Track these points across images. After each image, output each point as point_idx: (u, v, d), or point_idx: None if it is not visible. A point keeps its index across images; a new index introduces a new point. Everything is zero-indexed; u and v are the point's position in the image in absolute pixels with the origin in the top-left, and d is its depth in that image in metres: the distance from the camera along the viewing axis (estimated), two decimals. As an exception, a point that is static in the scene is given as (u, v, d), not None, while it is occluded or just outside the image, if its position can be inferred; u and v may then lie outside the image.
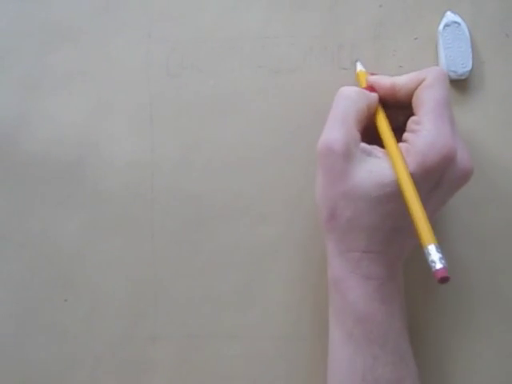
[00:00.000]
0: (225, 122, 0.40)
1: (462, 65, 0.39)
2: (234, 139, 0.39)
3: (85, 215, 0.39)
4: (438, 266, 0.28)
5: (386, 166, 0.32)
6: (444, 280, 0.28)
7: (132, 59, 0.40)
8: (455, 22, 0.39)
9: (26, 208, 0.40)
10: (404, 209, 0.31)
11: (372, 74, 0.37)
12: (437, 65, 0.39)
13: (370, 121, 0.35)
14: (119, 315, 0.39)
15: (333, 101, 0.36)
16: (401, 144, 0.33)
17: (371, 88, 0.36)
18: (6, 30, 0.40)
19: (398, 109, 0.35)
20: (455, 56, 0.39)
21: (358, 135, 0.33)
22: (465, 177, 0.33)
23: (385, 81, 0.36)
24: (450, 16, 0.39)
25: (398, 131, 0.34)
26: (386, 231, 0.33)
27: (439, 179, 0.32)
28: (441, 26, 0.39)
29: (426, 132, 0.32)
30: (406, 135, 0.33)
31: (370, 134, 0.35)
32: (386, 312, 0.33)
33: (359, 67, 0.39)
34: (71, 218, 0.39)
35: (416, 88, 0.34)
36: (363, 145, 0.33)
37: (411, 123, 0.33)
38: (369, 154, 0.33)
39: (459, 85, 0.39)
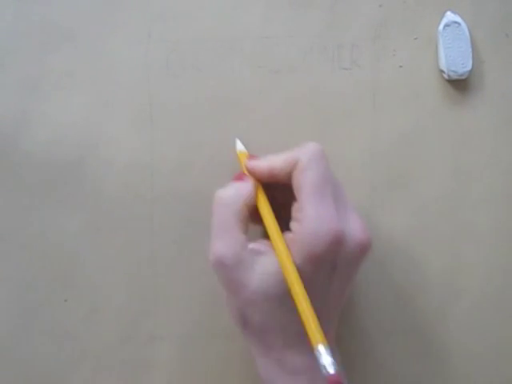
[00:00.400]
0: (225, 122, 0.40)
1: (462, 65, 0.39)
2: (234, 139, 0.39)
3: (85, 215, 0.39)
4: (331, 371, 0.28)
5: (273, 263, 0.32)
6: None
7: (132, 59, 0.40)
8: (455, 22, 0.39)
9: (26, 208, 0.40)
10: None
11: (251, 157, 0.36)
12: (437, 65, 0.39)
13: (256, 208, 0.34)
14: (119, 315, 0.39)
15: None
16: (286, 234, 0.32)
17: (246, 173, 0.35)
18: (6, 30, 0.40)
19: (284, 188, 0.34)
20: (455, 56, 0.39)
21: (242, 238, 0.32)
22: (362, 250, 0.32)
23: (262, 166, 0.34)
24: (449, 16, 0.39)
25: (289, 205, 0.33)
26: (298, 324, 0.31)
27: (334, 262, 0.31)
28: (441, 26, 0.39)
29: (308, 219, 0.31)
30: (291, 224, 0.32)
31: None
32: None
33: (238, 147, 0.38)
34: (71, 218, 0.39)
35: (292, 171, 0.32)
36: (251, 246, 0.33)
37: (295, 211, 0.32)
38: (258, 253, 0.32)
39: (459, 85, 0.39)
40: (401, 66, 0.39)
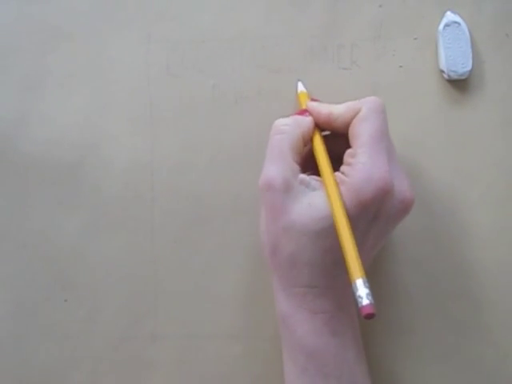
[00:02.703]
0: (225, 122, 0.40)
1: (462, 65, 0.39)
2: (234, 139, 0.39)
3: (85, 215, 0.39)
4: (365, 302, 0.28)
5: (323, 198, 0.32)
6: (369, 316, 0.28)
7: (132, 59, 0.40)
8: (455, 22, 0.39)
9: (26, 208, 0.40)
10: None
11: (313, 100, 0.37)
12: (437, 65, 0.39)
13: (310, 145, 0.35)
14: (119, 315, 0.39)
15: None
16: (337, 174, 0.33)
17: (306, 112, 0.36)
18: (6, 30, 0.40)
19: (337, 137, 0.35)
20: (455, 56, 0.39)
21: (295, 167, 0.33)
22: (405, 208, 0.33)
23: (322, 109, 0.35)
24: (449, 16, 0.39)
25: (339, 159, 0.34)
26: (328, 266, 0.32)
27: (377, 212, 0.32)
28: (441, 26, 0.39)
29: (361, 165, 0.31)
30: (342, 168, 0.33)
31: (314, 160, 0.34)
32: (338, 344, 0.33)
33: (300, 88, 0.38)
34: (71, 218, 0.39)
35: (352, 119, 0.33)
36: (302, 176, 0.33)
37: (347, 156, 0.33)
38: (307, 185, 0.33)
39: (459, 85, 0.39)
40: (401, 66, 0.39)
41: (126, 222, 0.39)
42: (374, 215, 0.32)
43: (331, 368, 0.32)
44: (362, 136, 0.32)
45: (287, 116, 0.36)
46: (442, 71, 0.39)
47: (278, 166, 0.33)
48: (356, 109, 0.33)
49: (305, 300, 0.33)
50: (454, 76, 0.39)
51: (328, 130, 0.36)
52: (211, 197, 0.39)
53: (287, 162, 0.33)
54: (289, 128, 0.34)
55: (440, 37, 0.39)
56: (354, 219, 0.31)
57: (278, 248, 0.33)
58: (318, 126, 0.35)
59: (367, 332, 0.37)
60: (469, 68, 0.39)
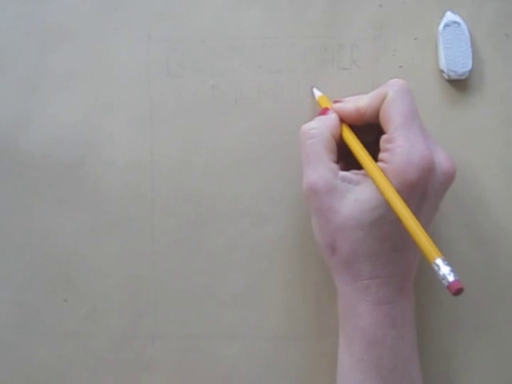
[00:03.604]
0: (225, 122, 0.40)
1: (462, 65, 0.39)
2: (234, 139, 0.39)
3: (85, 215, 0.39)
4: (451, 278, 0.28)
5: (368, 190, 0.32)
6: (459, 292, 0.28)
7: (132, 59, 0.40)
8: (455, 22, 0.39)
9: (26, 208, 0.40)
10: (399, 228, 0.31)
11: (335, 101, 0.37)
12: (437, 65, 0.39)
13: (342, 140, 0.35)
14: (119, 315, 0.39)
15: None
16: (378, 163, 0.33)
17: (328, 110, 0.36)
18: (6, 30, 0.40)
19: (368, 128, 0.35)
20: (455, 56, 0.39)
21: (334, 166, 0.34)
22: (449, 179, 0.33)
23: (348, 107, 0.35)
24: (449, 16, 0.39)
25: (372, 148, 0.34)
26: (388, 254, 0.33)
27: (424, 191, 0.32)
28: (441, 26, 0.39)
29: (400, 149, 0.32)
30: (381, 155, 0.33)
31: (348, 153, 0.35)
32: (396, 336, 0.33)
33: (317, 93, 0.38)
34: (71, 217, 0.39)
35: (380, 105, 0.34)
36: (342, 173, 0.34)
37: (383, 142, 0.33)
38: (350, 181, 0.33)
39: (459, 85, 0.39)
40: (401, 66, 0.39)
41: (125, 221, 0.39)
42: (423, 194, 0.32)
43: (387, 360, 0.33)
44: (394, 120, 0.32)
45: (310, 119, 0.36)
46: (442, 71, 0.39)
47: (316, 169, 0.33)
48: (382, 95, 0.34)
49: (368, 292, 0.33)
50: (454, 76, 0.39)
51: (360, 124, 0.36)
52: (211, 197, 0.39)
53: (325, 164, 0.33)
54: (317, 131, 0.34)
55: (440, 37, 0.39)
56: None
57: (336, 247, 0.33)
58: (347, 122, 0.35)
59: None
60: (469, 68, 0.39)
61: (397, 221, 0.31)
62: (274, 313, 0.39)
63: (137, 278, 0.39)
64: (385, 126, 0.33)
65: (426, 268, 0.39)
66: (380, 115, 0.34)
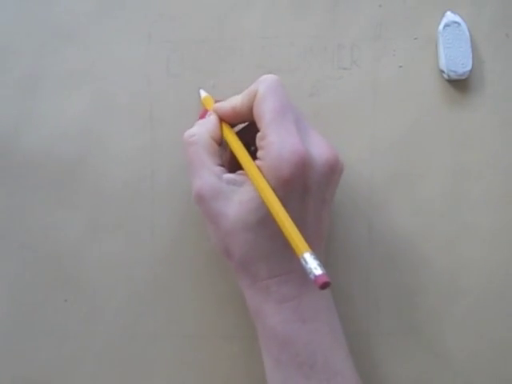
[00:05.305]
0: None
1: (462, 65, 0.39)
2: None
3: (85, 215, 0.39)
4: (318, 272, 0.28)
5: (250, 189, 0.32)
6: (326, 285, 0.28)
7: (132, 59, 0.40)
8: (455, 22, 0.39)
9: (26, 208, 0.40)
10: None
11: (217, 101, 0.37)
12: (437, 65, 0.39)
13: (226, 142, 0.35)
14: (119, 315, 0.39)
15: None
16: (256, 162, 0.33)
17: (207, 112, 0.36)
18: (6, 30, 0.40)
19: (252, 126, 0.34)
20: (455, 56, 0.39)
21: (218, 170, 0.33)
22: (331, 168, 0.33)
23: (225, 107, 0.35)
24: (449, 16, 0.39)
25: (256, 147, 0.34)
26: (281, 251, 0.32)
27: (304, 184, 0.32)
28: (441, 26, 0.39)
29: (272, 145, 0.31)
30: (258, 153, 0.33)
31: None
32: (310, 331, 0.32)
33: (203, 94, 0.39)
34: (71, 217, 0.39)
35: (252, 103, 0.33)
36: (227, 176, 0.33)
37: (258, 140, 0.33)
38: (234, 182, 0.33)
39: (459, 85, 0.39)
40: (401, 66, 0.39)
41: (126, 221, 0.39)
42: (303, 188, 0.32)
43: (304, 357, 0.32)
44: (264, 116, 0.32)
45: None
46: (442, 71, 0.39)
47: (201, 176, 0.33)
48: (253, 92, 0.33)
49: (270, 292, 0.33)
50: (454, 76, 0.39)
51: (242, 123, 0.36)
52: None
53: (209, 169, 0.33)
54: (197, 137, 0.34)
55: (440, 37, 0.39)
56: (283, 199, 0.31)
57: (230, 251, 0.33)
58: (226, 122, 0.35)
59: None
60: (469, 68, 0.39)
61: None
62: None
63: (137, 278, 0.39)
64: (258, 124, 0.33)
65: (422, 270, 0.39)
66: (253, 113, 0.33)
